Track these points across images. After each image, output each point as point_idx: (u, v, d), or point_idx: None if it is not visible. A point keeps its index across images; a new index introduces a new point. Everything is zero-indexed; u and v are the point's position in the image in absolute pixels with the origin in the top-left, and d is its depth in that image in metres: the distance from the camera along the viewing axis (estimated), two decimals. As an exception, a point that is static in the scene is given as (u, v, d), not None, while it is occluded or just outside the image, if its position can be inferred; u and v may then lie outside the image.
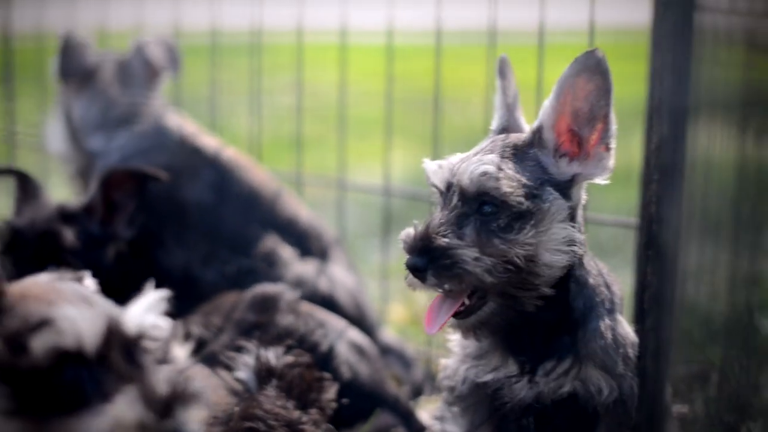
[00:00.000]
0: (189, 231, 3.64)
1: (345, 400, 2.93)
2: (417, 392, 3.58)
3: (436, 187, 2.45)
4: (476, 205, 2.35)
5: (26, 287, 2.06)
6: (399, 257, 4.13)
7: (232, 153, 3.89)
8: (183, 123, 3.98)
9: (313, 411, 2.79)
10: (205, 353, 2.97)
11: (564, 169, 2.40)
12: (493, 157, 2.37)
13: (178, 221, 3.67)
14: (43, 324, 1.92)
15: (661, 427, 2.14)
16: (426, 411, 3.28)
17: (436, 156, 2.60)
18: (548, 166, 2.40)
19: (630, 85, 2.47)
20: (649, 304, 2.30)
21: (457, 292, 2.36)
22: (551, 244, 2.35)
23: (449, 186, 2.40)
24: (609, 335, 2.44)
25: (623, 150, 2.50)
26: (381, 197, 4.24)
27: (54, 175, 4.59)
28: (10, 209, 3.51)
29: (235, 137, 4.10)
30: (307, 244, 3.75)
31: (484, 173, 2.33)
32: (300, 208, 3.89)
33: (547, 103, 2.40)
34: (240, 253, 3.66)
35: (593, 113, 2.37)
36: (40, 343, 1.89)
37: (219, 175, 3.76)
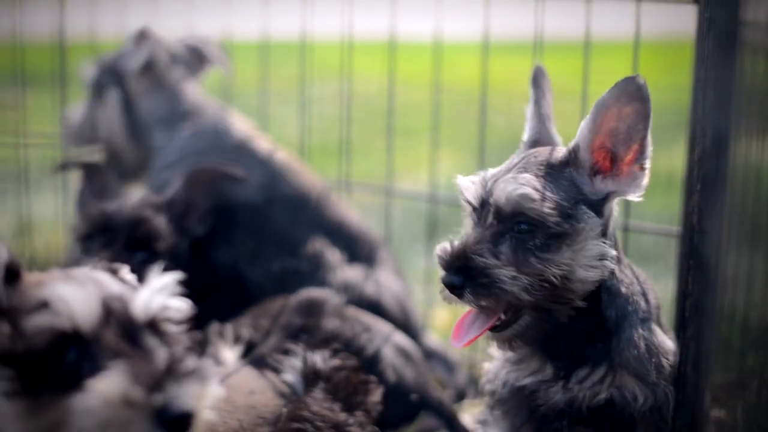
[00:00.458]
0: (238, 230, 3.70)
1: (390, 403, 2.99)
2: (460, 396, 3.63)
3: (470, 203, 2.49)
4: (512, 224, 2.40)
5: (43, 274, 2.12)
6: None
7: (284, 155, 3.97)
8: (240, 124, 4.08)
9: (359, 413, 2.85)
10: (253, 356, 3.06)
11: (598, 187, 2.45)
12: (530, 178, 2.40)
13: (228, 220, 3.74)
14: (39, 306, 1.96)
15: (700, 429, 2.17)
16: (469, 415, 3.33)
17: (482, 164, 2.64)
18: (583, 185, 2.44)
19: (674, 93, 2.49)
20: (690, 313, 2.33)
21: (492, 308, 2.42)
22: (585, 261, 2.41)
23: (483, 203, 2.45)
24: (642, 344, 2.48)
25: (665, 157, 2.53)
26: (426, 204, 4.28)
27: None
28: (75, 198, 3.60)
29: (283, 144, 4.16)
30: (354, 247, 3.82)
31: (524, 195, 2.37)
32: (348, 211, 3.96)
33: (584, 124, 2.44)
34: (286, 254, 3.72)
35: (630, 135, 2.42)
36: (35, 325, 1.93)
37: (270, 176, 3.83)
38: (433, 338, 3.94)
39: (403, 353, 3.26)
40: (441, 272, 2.44)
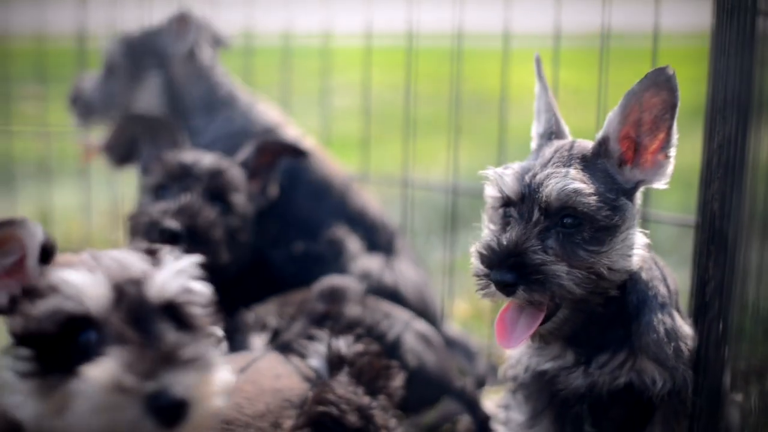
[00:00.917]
0: (264, 213, 3.73)
1: (411, 388, 3.04)
2: (480, 384, 3.68)
3: (507, 197, 2.49)
4: (558, 219, 2.42)
5: (73, 257, 2.13)
6: (463, 254, 4.25)
7: (310, 143, 4.05)
8: (270, 111, 4.17)
9: (382, 397, 2.89)
10: (279, 342, 3.12)
11: (628, 176, 2.49)
12: (576, 173, 2.43)
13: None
14: (51, 289, 1.98)
15: (722, 410, 2.20)
16: (489, 401, 3.37)
17: (503, 158, 2.67)
18: (615, 175, 2.48)
19: (685, 87, 2.53)
20: (712, 295, 2.36)
21: (540, 303, 2.42)
22: (626, 251, 2.45)
23: (524, 198, 2.45)
24: (662, 329, 2.51)
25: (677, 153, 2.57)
26: (442, 198, 4.31)
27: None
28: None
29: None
30: (374, 236, 3.88)
31: (576, 191, 2.39)
32: (370, 200, 4.02)
33: (612, 114, 2.48)
34: (308, 238, 3.78)
35: (657, 124, 2.46)
36: (46, 308, 1.95)
37: (296, 162, 3.88)
38: (452, 327, 3.99)
39: (424, 339, 3.32)
40: (480, 268, 2.43)
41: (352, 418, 2.75)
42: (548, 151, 2.53)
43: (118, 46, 4.19)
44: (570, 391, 2.58)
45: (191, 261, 2.12)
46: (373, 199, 4.06)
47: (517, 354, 2.70)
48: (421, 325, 3.40)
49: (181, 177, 3.41)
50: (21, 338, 1.97)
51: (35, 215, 5.17)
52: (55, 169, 5.89)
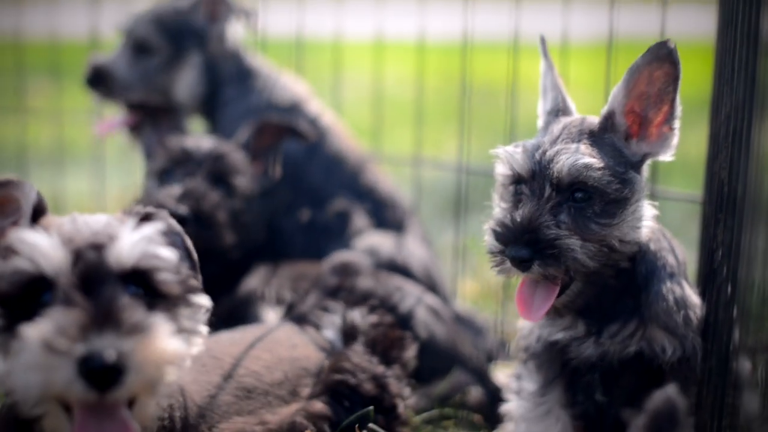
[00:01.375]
0: (278, 183, 3.79)
1: (422, 359, 3.10)
2: (489, 359, 3.72)
3: (518, 174, 2.53)
4: (569, 194, 2.47)
5: (52, 219, 2.15)
6: (472, 235, 4.31)
7: (330, 119, 4.13)
8: (295, 85, 4.24)
9: (396, 367, 2.96)
10: (294, 314, 3.18)
11: (634, 149, 2.55)
12: (585, 148, 2.48)
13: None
14: (10, 251, 2.01)
15: (732, 367, 2.23)
16: (500, 373, 3.43)
17: (513, 140, 2.70)
18: (622, 149, 2.54)
19: (689, 83, 2.59)
20: (723, 257, 2.38)
21: (555, 277, 2.47)
22: (636, 223, 2.51)
23: (534, 174, 2.50)
24: (671, 297, 2.57)
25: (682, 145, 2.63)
26: (452, 183, 4.34)
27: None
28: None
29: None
30: (384, 212, 3.94)
31: (587, 165, 2.44)
32: (382, 178, 4.08)
33: (616, 89, 2.53)
34: (316, 207, 3.85)
35: (661, 97, 2.51)
36: (8, 267, 1.98)
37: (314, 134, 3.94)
38: (461, 304, 4.04)
39: (434, 312, 3.37)
40: (494, 245, 2.48)
41: (368, 386, 2.81)
42: (556, 128, 2.58)
43: (151, 26, 4.22)
44: (581, 361, 2.63)
45: (157, 227, 2.12)
46: (385, 177, 4.12)
47: (528, 325, 2.74)
48: (432, 299, 3.45)
49: (185, 161, 3.47)
50: None
51: (48, 202, 5.20)
52: (68, 156, 5.96)
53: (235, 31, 4.26)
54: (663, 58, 2.47)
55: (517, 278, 2.56)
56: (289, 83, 4.23)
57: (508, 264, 2.46)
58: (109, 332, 1.86)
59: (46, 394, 1.89)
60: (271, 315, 3.23)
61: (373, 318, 3.04)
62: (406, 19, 4.61)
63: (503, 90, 3.89)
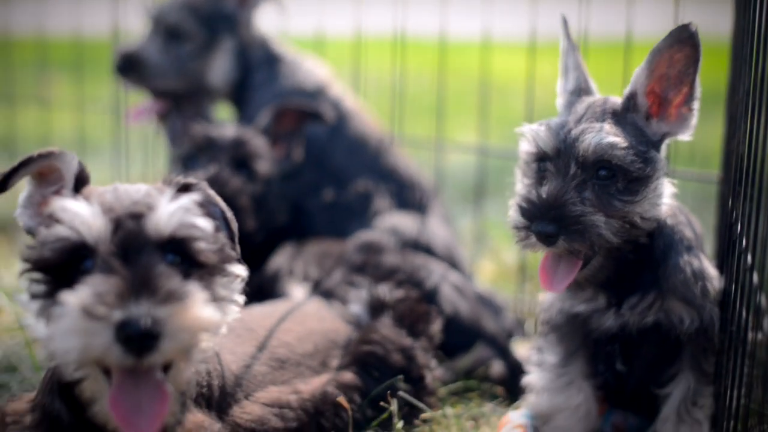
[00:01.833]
0: (302, 165, 3.87)
1: (447, 334, 3.18)
2: (507, 337, 3.79)
3: (543, 152, 2.59)
4: (593, 171, 2.53)
5: (95, 188, 2.21)
6: (492, 218, 4.38)
7: (353, 102, 4.22)
8: (319, 69, 4.32)
9: (423, 339, 3.03)
10: (321, 289, 3.26)
11: (655, 129, 2.62)
12: (610, 127, 2.54)
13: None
14: (52, 218, 2.07)
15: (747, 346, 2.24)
16: (521, 348, 3.51)
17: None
18: (644, 128, 2.60)
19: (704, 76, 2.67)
20: (743, 228, 2.41)
21: (579, 252, 2.54)
22: (656, 200, 2.58)
23: (559, 152, 2.56)
24: (688, 269, 2.63)
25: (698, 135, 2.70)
26: (471, 170, 4.38)
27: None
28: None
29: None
30: (405, 193, 4.01)
31: (611, 144, 2.50)
32: (403, 160, 4.15)
33: (638, 70, 2.59)
34: (339, 187, 3.94)
35: (681, 78, 2.58)
36: (49, 235, 2.04)
37: (337, 117, 4.01)
38: (480, 284, 4.12)
39: (458, 289, 3.45)
40: (520, 221, 2.54)
41: (396, 357, 2.88)
42: (580, 107, 2.64)
43: (184, 12, 4.28)
44: (602, 332, 2.69)
45: (195, 198, 2.16)
46: (408, 159, 4.19)
47: (550, 298, 2.80)
48: (455, 277, 3.53)
49: (208, 148, 3.56)
50: (35, 262, 2.05)
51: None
52: (90, 145, 6.05)
53: (264, 18, 4.33)
54: (684, 41, 2.53)
55: (537, 257, 2.63)
56: (312, 68, 4.31)
57: (533, 239, 2.53)
58: (146, 299, 1.91)
59: (85, 358, 1.94)
60: (298, 291, 3.31)
61: (400, 293, 3.11)
62: (427, 18, 4.68)
63: (520, 87, 3.96)
